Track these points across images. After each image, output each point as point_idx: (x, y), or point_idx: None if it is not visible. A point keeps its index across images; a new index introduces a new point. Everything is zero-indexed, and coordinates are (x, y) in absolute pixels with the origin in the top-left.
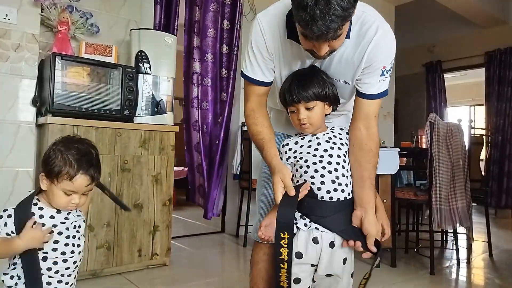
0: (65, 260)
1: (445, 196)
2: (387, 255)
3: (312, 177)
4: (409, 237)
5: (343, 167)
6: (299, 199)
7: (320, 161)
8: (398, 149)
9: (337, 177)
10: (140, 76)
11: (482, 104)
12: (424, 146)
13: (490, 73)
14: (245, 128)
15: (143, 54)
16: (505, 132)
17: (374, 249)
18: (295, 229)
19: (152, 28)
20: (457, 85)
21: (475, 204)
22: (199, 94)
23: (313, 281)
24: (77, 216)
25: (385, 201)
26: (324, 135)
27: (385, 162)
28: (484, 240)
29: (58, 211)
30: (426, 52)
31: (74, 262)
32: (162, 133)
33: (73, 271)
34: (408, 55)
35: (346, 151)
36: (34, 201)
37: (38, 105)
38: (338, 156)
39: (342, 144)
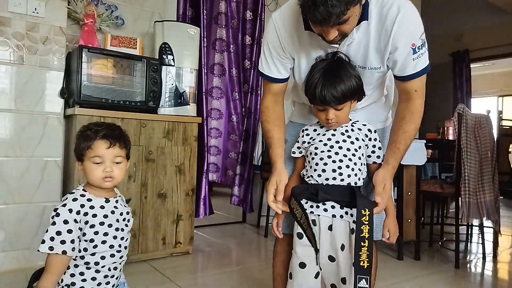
0: (112, 255)
1: (473, 189)
2: (411, 248)
3: (316, 163)
4: (433, 230)
5: (350, 159)
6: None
7: (329, 151)
8: (425, 141)
9: (340, 167)
10: (164, 68)
11: (511, 95)
12: (450, 137)
13: None
14: None
15: (166, 46)
16: None
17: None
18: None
19: (176, 20)
20: (484, 75)
21: (502, 197)
22: (222, 85)
23: (320, 268)
24: (124, 206)
25: (409, 193)
26: (342, 127)
27: (412, 152)
28: (511, 234)
29: (107, 200)
30: (453, 41)
31: (121, 257)
32: (185, 124)
33: (120, 264)
34: (435, 44)
35: (360, 146)
36: (81, 192)
37: (65, 97)
38: (348, 149)
39: (357, 139)
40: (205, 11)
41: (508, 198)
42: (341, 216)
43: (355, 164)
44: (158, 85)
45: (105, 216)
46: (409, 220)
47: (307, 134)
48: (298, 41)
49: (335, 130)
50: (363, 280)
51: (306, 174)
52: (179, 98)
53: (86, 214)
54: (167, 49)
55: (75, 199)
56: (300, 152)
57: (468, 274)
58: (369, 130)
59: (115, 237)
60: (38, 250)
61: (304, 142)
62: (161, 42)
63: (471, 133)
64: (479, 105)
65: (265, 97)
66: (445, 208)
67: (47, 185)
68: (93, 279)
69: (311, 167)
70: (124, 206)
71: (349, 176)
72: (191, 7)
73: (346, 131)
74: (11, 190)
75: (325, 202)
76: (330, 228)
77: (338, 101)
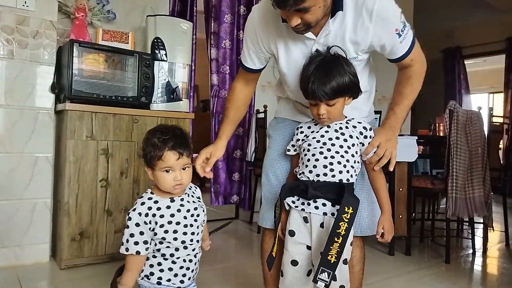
0: (185, 247)
1: (461, 185)
2: (402, 243)
3: (308, 160)
4: (424, 226)
5: (342, 156)
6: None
7: (321, 147)
8: (416, 137)
9: (331, 163)
10: (156, 63)
11: (502, 92)
12: (442, 134)
13: (511, 60)
14: (260, 116)
15: (159, 40)
16: None
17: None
18: (286, 207)
19: (168, 14)
20: (475, 72)
21: (493, 193)
22: (218, 82)
23: (312, 265)
24: (193, 203)
25: (401, 189)
26: (336, 124)
27: (403, 149)
28: (501, 229)
29: (172, 200)
30: (445, 38)
31: (193, 250)
32: (178, 120)
33: (195, 256)
34: (427, 41)
35: (353, 143)
36: (149, 195)
37: (56, 92)
38: (341, 147)
39: (351, 136)
40: (195, 7)
41: (498, 194)
42: (333, 214)
43: (347, 161)
44: (150, 81)
45: (172, 215)
46: (400, 216)
47: (301, 132)
48: (276, 33)
49: (328, 127)
50: (325, 273)
51: (298, 171)
52: (171, 94)
53: (154, 215)
54: (159, 44)
55: (143, 203)
56: (295, 150)
57: (458, 269)
58: (365, 128)
59: (185, 233)
60: (119, 252)
61: (298, 140)
62: (153, 37)
63: (462, 129)
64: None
65: (237, 78)
66: (436, 204)
67: (38, 181)
68: (170, 269)
69: (303, 163)
70: (193, 202)
71: (340, 172)
72: (180, 2)
73: (340, 128)
74: (1, 187)
75: (317, 200)
76: (322, 225)
77: (328, 97)
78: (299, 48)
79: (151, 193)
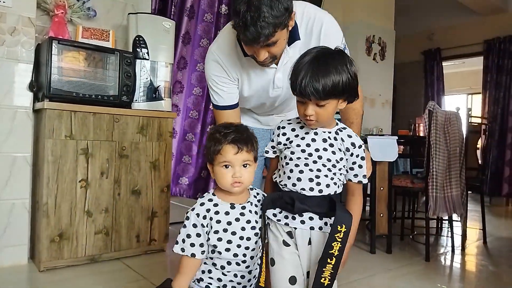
0: (238, 263)
1: (440, 184)
2: (383, 241)
3: (291, 170)
4: (404, 224)
5: (329, 169)
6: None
7: (306, 158)
8: (397, 137)
9: (317, 177)
10: (138, 61)
11: (480, 93)
12: (421, 134)
13: (489, 62)
14: None
15: (140, 39)
16: (502, 120)
17: None
18: (266, 220)
19: (150, 12)
20: (455, 73)
21: (471, 192)
22: (192, 80)
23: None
24: (255, 214)
25: (382, 188)
26: (325, 132)
27: (384, 149)
28: (479, 227)
29: (232, 206)
30: (425, 40)
31: (247, 267)
32: (160, 119)
33: (249, 273)
34: (407, 42)
35: (341, 158)
36: (210, 196)
37: (35, 90)
38: (328, 160)
39: (339, 149)
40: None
41: (476, 193)
42: (320, 228)
43: (334, 174)
44: (131, 79)
45: (229, 223)
46: (381, 215)
47: (284, 134)
48: (238, 65)
49: (316, 134)
50: None
51: (279, 179)
52: (153, 93)
53: (211, 219)
54: (141, 42)
55: (202, 204)
56: (274, 152)
57: (437, 266)
58: (353, 144)
59: (238, 246)
60: (173, 250)
61: (279, 143)
62: (134, 35)
63: (441, 129)
64: (450, 102)
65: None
66: (416, 202)
67: (16, 181)
68: (219, 279)
69: (284, 172)
70: (255, 213)
71: (327, 186)
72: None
73: (329, 137)
74: None
75: (303, 213)
76: (309, 242)
77: (318, 96)
78: (261, 77)
79: (213, 194)
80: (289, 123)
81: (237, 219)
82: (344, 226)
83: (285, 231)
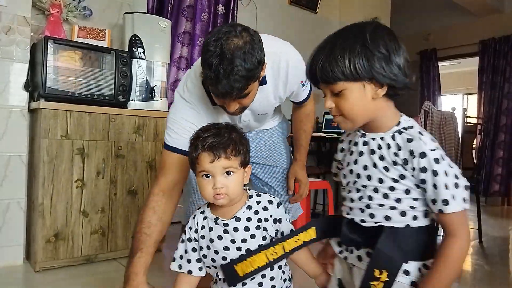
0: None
1: None
2: None
3: (344, 198)
4: None
5: (385, 195)
6: None
7: (355, 182)
8: None
9: (368, 206)
10: (134, 61)
11: (475, 93)
12: None
13: (484, 62)
14: None
15: (137, 38)
16: (496, 120)
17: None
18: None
19: (146, 11)
20: (450, 74)
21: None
22: None
23: None
24: (244, 230)
25: None
26: (374, 139)
27: None
28: (474, 227)
29: (216, 222)
30: (421, 40)
31: (244, 284)
32: (156, 119)
33: None
34: (403, 42)
35: (402, 176)
36: (203, 208)
37: (30, 90)
38: (380, 181)
39: (394, 162)
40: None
41: (471, 193)
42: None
43: (398, 201)
44: (128, 79)
45: (211, 241)
46: None
47: (341, 150)
48: (212, 113)
49: (365, 144)
50: None
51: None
52: (150, 93)
53: (196, 231)
54: (137, 41)
55: (194, 216)
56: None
57: None
58: (412, 153)
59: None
60: (170, 268)
61: (336, 159)
62: (131, 35)
63: (436, 129)
64: (446, 102)
65: (165, 176)
66: None
67: (11, 181)
68: None
69: (343, 198)
70: (256, 227)
71: (387, 219)
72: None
73: (380, 147)
74: None
75: (360, 247)
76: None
77: (326, 76)
78: (227, 116)
79: (207, 205)
80: (347, 137)
81: (220, 237)
82: (385, 272)
83: (347, 267)
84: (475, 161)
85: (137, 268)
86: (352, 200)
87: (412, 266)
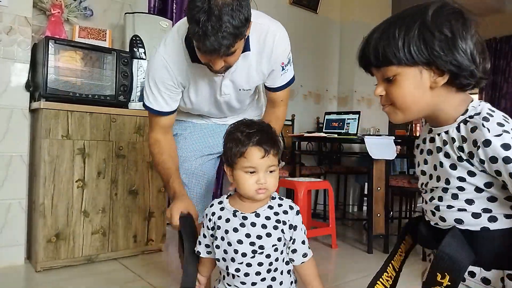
0: (246, 274)
1: None
2: (380, 241)
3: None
4: (401, 224)
5: (454, 196)
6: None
7: (427, 183)
8: (393, 137)
9: (437, 208)
10: (135, 61)
11: (476, 93)
12: (418, 134)
13: None
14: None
15: (137, 38)
16: None
17: None
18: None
19: (147, 12)
20: None
21: None
22: None
23: None
24: (262, 227)
25: (379, 188)
26: (439, 134)
27: (381, 148)
28: None
29: (234, 214)
30: None
31: (253, 284)
32: None
33: (263, 284)
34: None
35: (471, 173)
36: (222, 199)
37: (31, 90)
38: (447, 182)
39: (460, 158)
40: (174, 5)
41: None
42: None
43: (470, 203)
44: (128, 79)
45: (226, 232)
46: (378, 215)
47: (417, 147)
48: (186, 70)
49: (431, 141)
50: None
51: None
52: None
53: (214, 223)
54: (138, 42)
55: (212, 205)
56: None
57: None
58: (475, 143)
59: (232, 260)
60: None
61: (415, 157)
62: (131, 35)
63: None
64: None
65: (153, 130)
66: (413, 202)
67: (12, 181)
68: (228, 284)
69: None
70: (273, 227)
71: (460, 221)
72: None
73: (445, 142)
74: None
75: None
76: None
77: (374, 55)
78: (208, 84)
79: (226, 197)
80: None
81: (235, 230)
82: (448, 275)
83: None
84: None
85: (175, 186)
86: (426, 202)
87: (492, 275)
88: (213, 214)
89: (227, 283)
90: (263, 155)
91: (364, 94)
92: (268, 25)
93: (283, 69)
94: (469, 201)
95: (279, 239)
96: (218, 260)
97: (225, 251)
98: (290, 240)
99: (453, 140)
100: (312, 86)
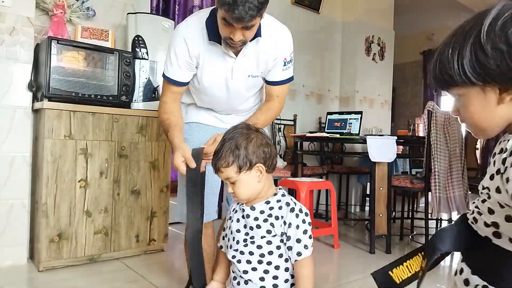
0: (245, 272)
1: (443, 184)
2: (382, 242)
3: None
4: (404, 225)
5: (483, 201)
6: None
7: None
8: (395, 137)
9: (475, 220)
10: (137, 61)
11: None
12: (421, 134)
13: None
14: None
15: (140, 39)
16: None
17: None
18: None
19: (149, 12)
20: None
21: (470, 192)
22: None
23: None
24: (263, 222)
25: (381, 188)
26: (508, 140)
27: (382, 149)
28: None
29: (240, 207)
30: (425, 40)
31: (245, 272)
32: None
33: (253, 278)
34: (407, 43)
35: (498, 189)
36: None
37: (34, 90)
38: (485, 193)
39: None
40: (177, 6)
41: (475, 193)
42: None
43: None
44: (131, 79)
45: (231, 221)
46: (381, 215)
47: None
48: (202, 48)
49: (501, 151)
50: None
51: None
52: (153, 93)
53: (230, 213)
54: (140, 42)
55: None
56: None
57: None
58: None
59: (235, 250)
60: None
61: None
62: (134, 35)
63: (441, 129)
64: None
65: (164, 94)
66: (415, 202)
67: (15, 181)
68: (233, 271)
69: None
70: (263, 220)
71: (498, 235)
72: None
73: (501, 150)
74: None
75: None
76: None
77: (450, 78)
78: (221, 65)
79: None
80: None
81: (238, 220)
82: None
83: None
84: (478, 162)
85: (173, 138)
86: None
87: (473, 281)
88: (233, 209)
89: (231, 270)
90: (215, 172)
91: (366, 94)
92: (277, 24)
93: (284, 64)
94: (490, 211)
95: (268, 232)
96: (227, 247)
97: (228, 239)
98: (283, 236)
99: (505, 150)
100: (314, 86)
